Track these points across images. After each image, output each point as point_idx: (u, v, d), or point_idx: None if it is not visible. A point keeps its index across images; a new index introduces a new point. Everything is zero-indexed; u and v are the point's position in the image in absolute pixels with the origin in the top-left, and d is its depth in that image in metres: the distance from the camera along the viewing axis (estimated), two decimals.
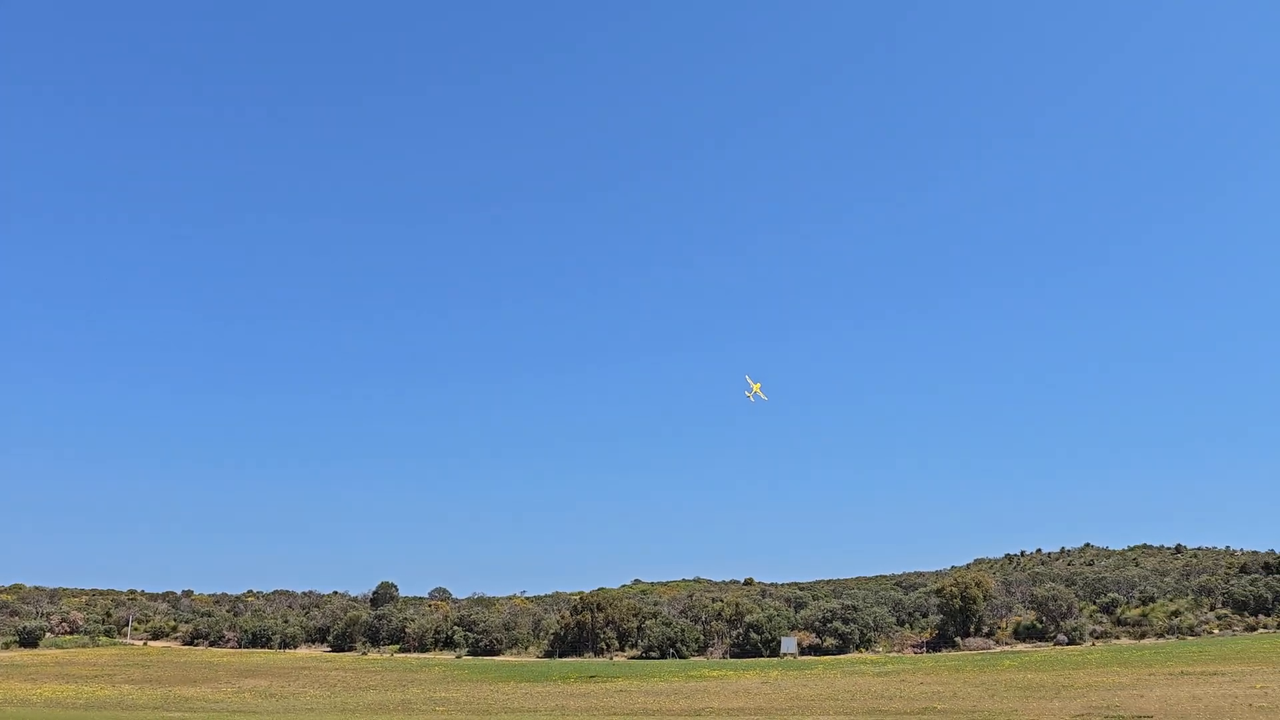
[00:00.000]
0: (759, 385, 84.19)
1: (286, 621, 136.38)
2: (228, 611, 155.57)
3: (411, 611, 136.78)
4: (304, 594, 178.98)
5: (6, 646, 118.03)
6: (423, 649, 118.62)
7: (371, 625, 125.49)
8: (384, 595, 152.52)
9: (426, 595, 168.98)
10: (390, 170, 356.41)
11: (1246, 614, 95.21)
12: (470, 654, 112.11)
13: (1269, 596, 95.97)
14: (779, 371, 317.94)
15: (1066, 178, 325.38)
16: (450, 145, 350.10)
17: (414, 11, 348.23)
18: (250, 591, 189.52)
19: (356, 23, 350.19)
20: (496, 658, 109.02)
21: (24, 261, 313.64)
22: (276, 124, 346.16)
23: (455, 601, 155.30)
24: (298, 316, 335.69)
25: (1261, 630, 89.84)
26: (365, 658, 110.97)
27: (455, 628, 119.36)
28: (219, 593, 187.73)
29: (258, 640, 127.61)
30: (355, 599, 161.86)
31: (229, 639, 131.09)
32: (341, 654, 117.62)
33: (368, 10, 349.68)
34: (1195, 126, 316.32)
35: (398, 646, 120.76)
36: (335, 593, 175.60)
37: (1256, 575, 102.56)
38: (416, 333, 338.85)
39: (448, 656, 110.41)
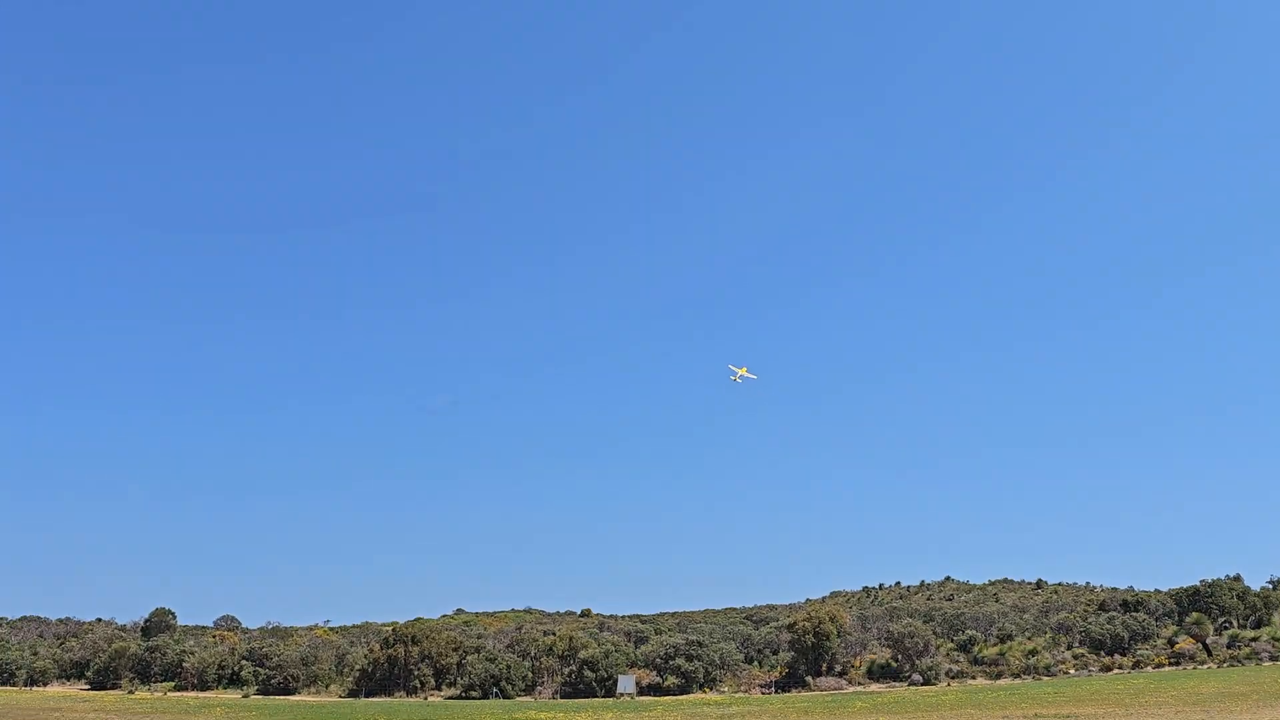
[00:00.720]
0: (744, 369, 79.96)
1: (35, 654, 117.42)
2: None
3: (192, 643, 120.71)
4: (59, 621, 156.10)
5: None
6: (204, 686, 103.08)
7: (142, 659, 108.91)
8: (158, 624, 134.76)
9: (211, 624, 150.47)
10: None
11: (1103, 653, 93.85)
12: (260, 693, 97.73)
13: (1125, 635, 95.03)
14: (628, 394, 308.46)
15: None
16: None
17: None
18: None
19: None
20: (291, 697, 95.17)
21: None
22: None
23: (245, 632, 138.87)
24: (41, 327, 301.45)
25: (1116, 671, 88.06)
26: (132, 696, 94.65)
27: (243, 662, 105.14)
28: None
29: None
30: (123, 628, 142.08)
31: None
32: (103, 692, 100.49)
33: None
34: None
35: (173, 684, 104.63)
36: (99, 620, 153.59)
37: (1114, 613, 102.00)
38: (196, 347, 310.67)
39: (233, 695, 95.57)
